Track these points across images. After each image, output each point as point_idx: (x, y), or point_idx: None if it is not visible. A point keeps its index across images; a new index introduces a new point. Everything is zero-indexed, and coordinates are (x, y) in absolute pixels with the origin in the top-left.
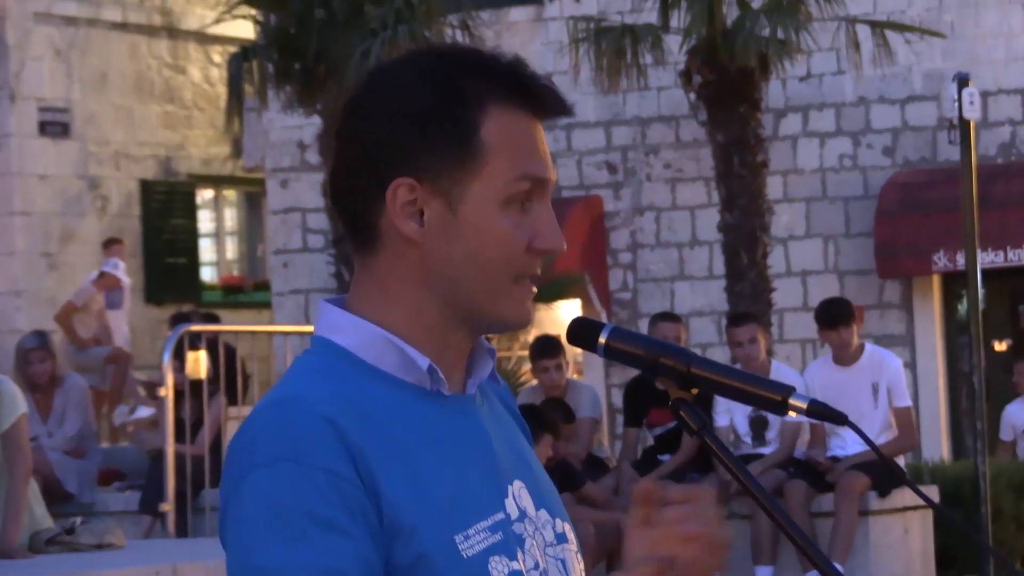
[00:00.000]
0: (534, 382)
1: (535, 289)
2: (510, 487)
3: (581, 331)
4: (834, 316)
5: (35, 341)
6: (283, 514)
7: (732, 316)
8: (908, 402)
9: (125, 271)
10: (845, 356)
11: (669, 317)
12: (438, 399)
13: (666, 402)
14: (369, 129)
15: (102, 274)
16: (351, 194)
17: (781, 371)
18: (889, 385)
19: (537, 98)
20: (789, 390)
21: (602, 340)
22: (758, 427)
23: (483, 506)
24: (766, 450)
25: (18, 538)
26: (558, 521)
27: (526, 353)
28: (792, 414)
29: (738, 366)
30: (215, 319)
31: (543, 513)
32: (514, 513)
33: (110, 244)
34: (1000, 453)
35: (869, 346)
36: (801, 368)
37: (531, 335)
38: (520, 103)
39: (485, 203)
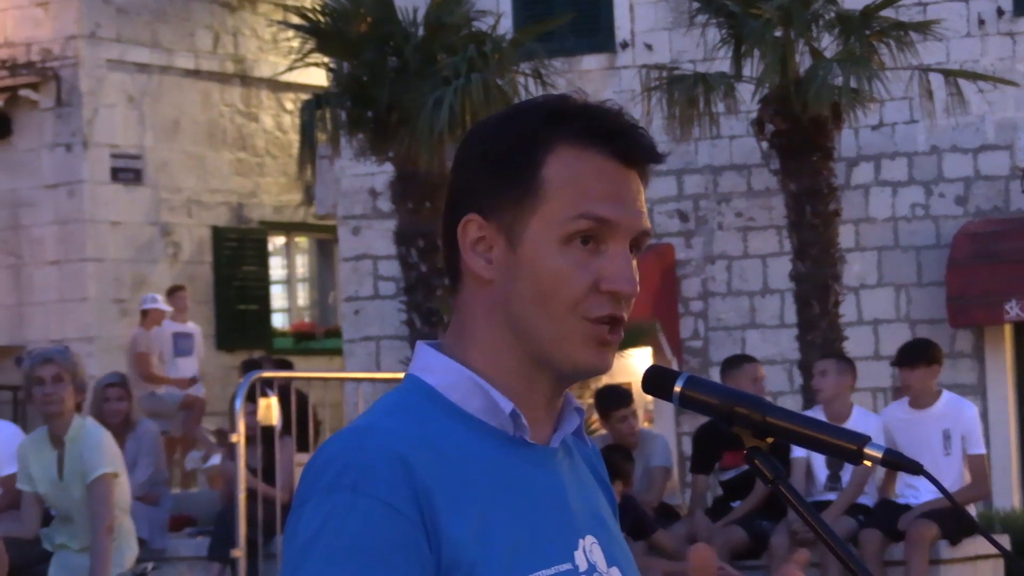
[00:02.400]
0: (603, 431)
1: (613, 336)
2: (581, 541)
3: (656, 380)
4: (903, 355)
5: (114, 378)
6: (331, 542)
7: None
8: (982, 450)
9: (165, 301)
10: (920, 399)
11: (749, 359)
12: (519, 446)
13: (738, 444)
14: (455, 175)
15: (144, 313)
16: (444, 238)
17: (861, 415)
18: (964, 433)
19: (619, 144)
20: (864, 440)
21: (677, 389)
22: (835, 467)
23: (548, 555)
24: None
25: None
26: None
27: (593, 401)
28: (867, 463)
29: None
30: (287, 365)
31: (615, 571)
32: (583, 566)
33: (173, 292)
34: None
35: (946, 393)
36: None
37: (600, 383)
38: (602, 148)
39: (544, 240)
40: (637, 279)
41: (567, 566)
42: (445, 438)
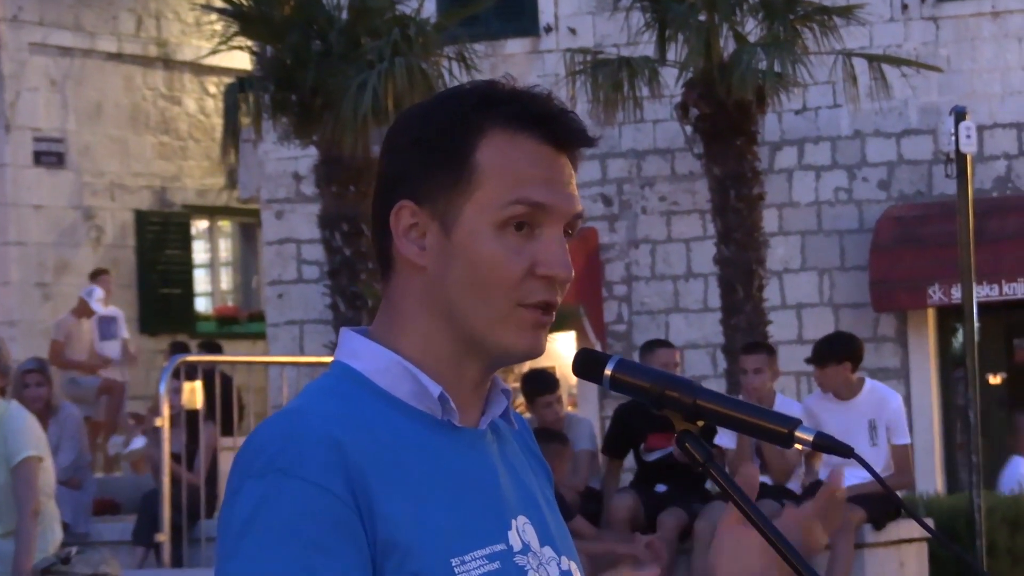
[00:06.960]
0: (527, 415)
1: (546, 318)
2: (514, 521)
3: (586, 363)
4: (814, 353)
5: (33, 364)
6: (265, 526)
7: (745, 344)
8: (907, 440)
9: (101, 299)
10: (841, 391)
11: (664, 344)
12: (448, 430)
13: (663, 426)
14: (385, 161)
15: (79, 301)
16: (373, 224)
17: (785, 403)
18: (889, 423)
19: (550, 128)
20: (795, 423)
21: (608, 372)
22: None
23: (483, 535)
24: (767, 479)
25: (30, 568)
26: (564, 559)
27: (519, 385)
28: (798, 447)
29: (742, 396)
30: (217, 348)
31: (547, 550)
32: (517, 546)
33: (97, 275)
34: None
35: (870, 382)
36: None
37: (525, 368)
38: (534, 133)
39: (478, 226)
40: (571, 264)
41: (501, 546)
42: (376, 422)
